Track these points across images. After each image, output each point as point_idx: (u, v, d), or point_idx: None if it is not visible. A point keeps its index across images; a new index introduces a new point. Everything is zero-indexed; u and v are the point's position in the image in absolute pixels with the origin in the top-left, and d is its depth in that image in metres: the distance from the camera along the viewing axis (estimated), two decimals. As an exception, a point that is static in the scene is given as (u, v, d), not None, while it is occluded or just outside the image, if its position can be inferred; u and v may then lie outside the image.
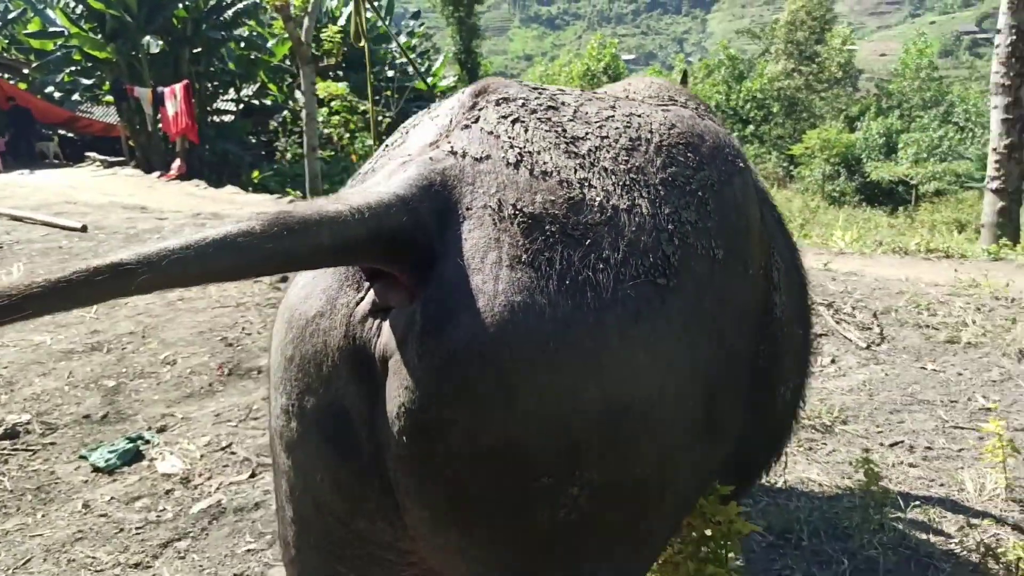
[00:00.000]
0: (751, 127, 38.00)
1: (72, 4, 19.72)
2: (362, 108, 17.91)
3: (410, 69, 25.78)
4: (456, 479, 1.08)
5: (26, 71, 22.62)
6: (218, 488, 3.28)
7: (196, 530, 2.96)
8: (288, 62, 23.21)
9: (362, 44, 8.42)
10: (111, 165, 19.21)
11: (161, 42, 19.99)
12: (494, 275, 1.05)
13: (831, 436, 3.62)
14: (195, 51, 20.93)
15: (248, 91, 24.10)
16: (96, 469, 3.46)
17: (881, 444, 3.50)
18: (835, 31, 44.07)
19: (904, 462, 3.33)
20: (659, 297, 1.13)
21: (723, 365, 1.27)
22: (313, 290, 1.19)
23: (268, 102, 24.58)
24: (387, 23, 21.05)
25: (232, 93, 23.80)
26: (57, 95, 22.70)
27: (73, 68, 21.11)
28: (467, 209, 1.11)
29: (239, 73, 22.77)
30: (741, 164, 1.41)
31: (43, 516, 3.09)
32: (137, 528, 2.98)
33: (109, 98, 21.81)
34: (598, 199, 1.15)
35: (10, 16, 25.51)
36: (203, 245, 0.89)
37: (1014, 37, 9.61)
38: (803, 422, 3.55)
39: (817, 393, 4.02)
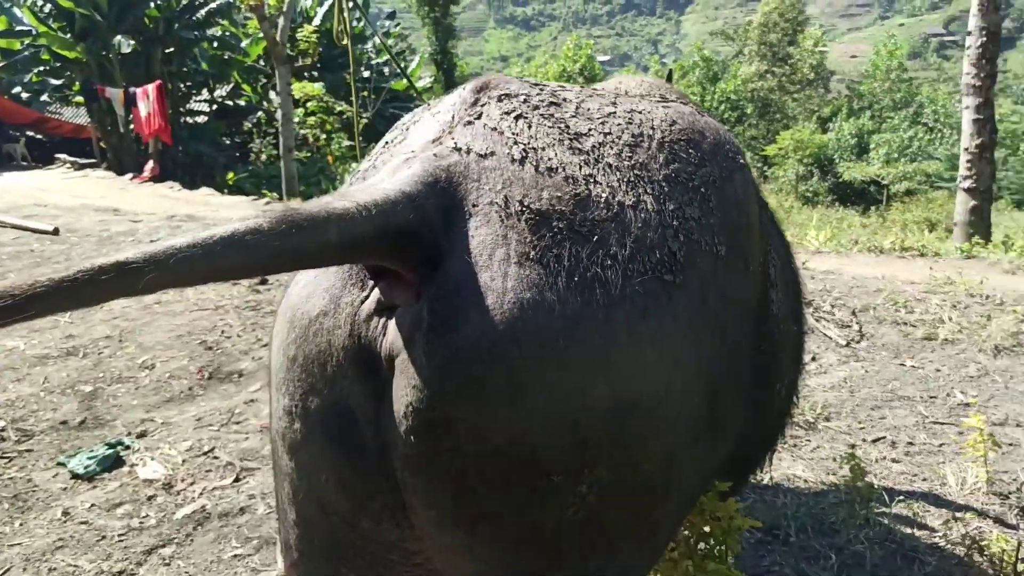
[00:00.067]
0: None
1: (40, 2, 19.39)
2: (338, 109, 17.82)
3: (386, 69, 25.70)
4: (464, 478, 1.07)
5: (-8, 71, 22.21)
6: (202, 493, 3.23)
7: (181, 536, 2.91)
8: (262, 62, 23.03)
9: (345, 43, 8.35)
10: (82, 167, 18.91)
11: (133, 42, 19.73)
12: (503, 272, 1.04)
13: (815, 433, 3.65)
14: (167, 51, 20.70)
15: (222, 91, 23.87)
16: (75, 476, 3.39)
17: (864, 440, 3.54)
18: (807, 33, 44.68)
19: (887, 457, 3.37)
20: (666, 293, 1.13)
21: (725, 362, 1.27)
22: (316, 289, 1.17)
23: (242, 103, 24.36)
24: (364, 24, 20.92)
25: (205, 93, 23.57)
26: (24, 95, 22.29)
27: (41, 68, 20.77)
28: (473, 206, 1.10)
29: (212, 73, 22.56)
30: (741, 161, 1.41)
31: (21, 525, 3.02)
32: (120, 535, 2.92)
33: (79, 99, 21.49)
34: (604, 195, 1.14)
35: (-25, 15, 25.02)
36: (211, 243, 0.87)
37: (984, 39, 9.80)
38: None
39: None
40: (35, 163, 20.87)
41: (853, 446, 3.15)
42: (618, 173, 1.19)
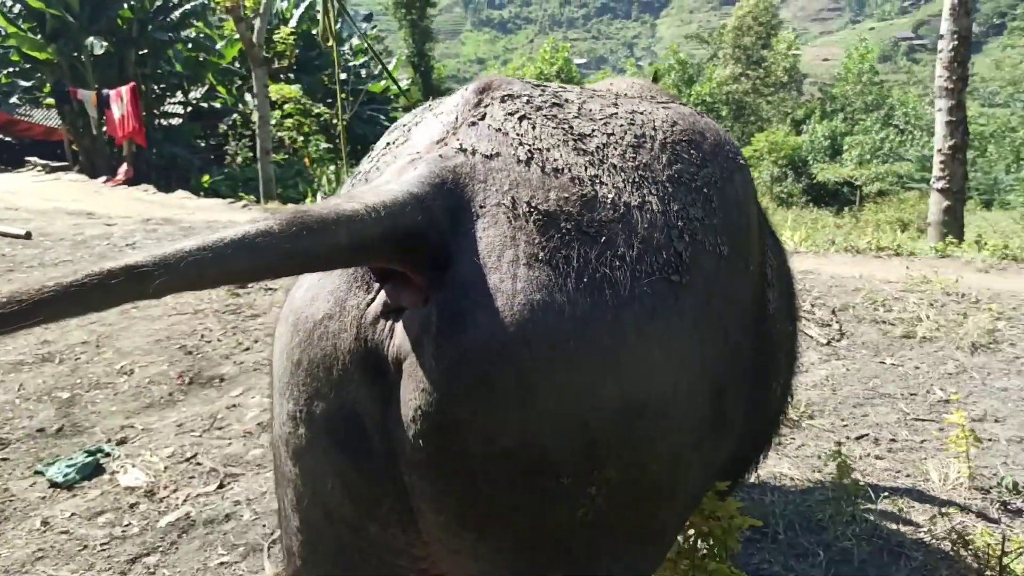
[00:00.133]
0: (701, 130, 38.66)
1: (9, 3, 19.05)
2: (316, 111, 17.71)
3: (364, 72, 25.60)
4: (473, 481, 1.06)
5: (-41, 72, 21.77)
6: (185, 500, 3.18)
7: (165, 544, 2.87)
8: (238, 64, 22.82)
9: (330, 44, 8.32)
10: (53, 170, 18.59)
11: (105, 43, 19.45)
12: (512, 274, 1.04)
13: (799, 431, 3.68)
14: (141, 52, 20.44)
15: (196, 94, 23.62)
16: (54, 484, 3.33)
17: (847, 437, 3.58)
18: (780, 36, 45.24)
19: (871, 454, 3.41)
20: (673, 294, 1.13)
21: (728, 362, 1.28)
22: (320, 292, 1.16)
23: (217, 105, 24.11)
24: (341, 25, 20.78)
25: (180, 96, 23.31)
26: (-7, 97, 21.90)
27: (11, 69, 20.41)
28: (480, 207, 1.09)
29: (187, 75, 22.32)
30: (741, 161, 1.42)
31: (-1, 535, 2.95)
32: (102, 544, 2.86)
33: (50, 100, 21.13)
34: (610, 196, 1.14)
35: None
36: (221, 246, 0.86)
37: (956, 42, 9.98)
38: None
39: (783, 389, 4.10)
40: (5, 166, 20.47)
41: (839, 444, 3.18)
42: (623, 174, 1.19)
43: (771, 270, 1.60)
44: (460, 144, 1.16)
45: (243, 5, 13.73)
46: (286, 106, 17.64)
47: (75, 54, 19.09)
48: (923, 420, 3.76)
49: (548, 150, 1.17)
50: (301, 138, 17.95)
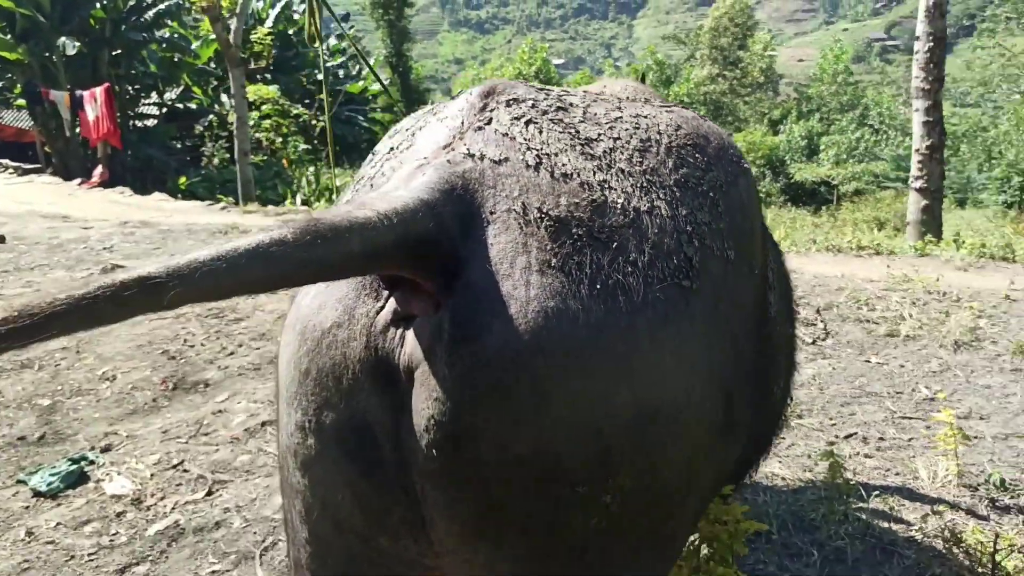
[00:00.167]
0: (679, 130, 38.93)
1: (-22, 3, 18.69)
2: (294, 112, 17.58)
3: (341, 72, 25.45)
4: (487, 491, 1.05)
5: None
6: (174, 508, 3.14)
7: (155, 553, 2.82)
8: (213, 64, 22.60)
9: (317, 45, 8.29)
10: (26, 172, 18.29)
11: (78, 43, 19.14)
12: (525, 280, 1.03)
13: (788, 430, 3.70)
14: (115, 53, 20.15)
15: (171, 94, 23.37)
16: (37, 493, 3.26)
17: (836, 436, 3.61)
18: (756, 37, 45.62)
19: (860, 453, 3.44)
20: (684, 299, 1.12)
21: (736, 366, 1.28)
22: (327, 300, 1.14)
23: (193, 106, 23.88)
24: (320, 25, 20.64)
25: (155, 96, 23.04)
26: (-38, 99, 21.50)
27: (-20, 70, 20.03)
28: (491, 213, 1.08)
29: (161, 76, 22.06)
30: (744, 165, 1.42)
31: (-18, 547, 2.89)
32: (90, 555, 2.81)
33: (20, 101, 20.79)
34: (620, 201, 1.13)
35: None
36: (235, 256, 0.84)
37: (931, 44, 10.11)
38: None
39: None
40: (-26, 168, 20.11)
41: (831, 443, 3.20)
42: (631, 178, 1.18)
43: (772, 273, 1.60)
44: (468, 149, 1.15)
45: (219, 5, 13.58)
46: (264, 107, 17.49)
47: (47, 54, 18.78)
48: (910, 418, 3.80)
49: (556, 155, 1.16)
50: (279, 139, 17.80)
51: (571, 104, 1.30)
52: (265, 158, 19.17)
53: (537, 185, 1.11)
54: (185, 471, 3.45)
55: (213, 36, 16.52)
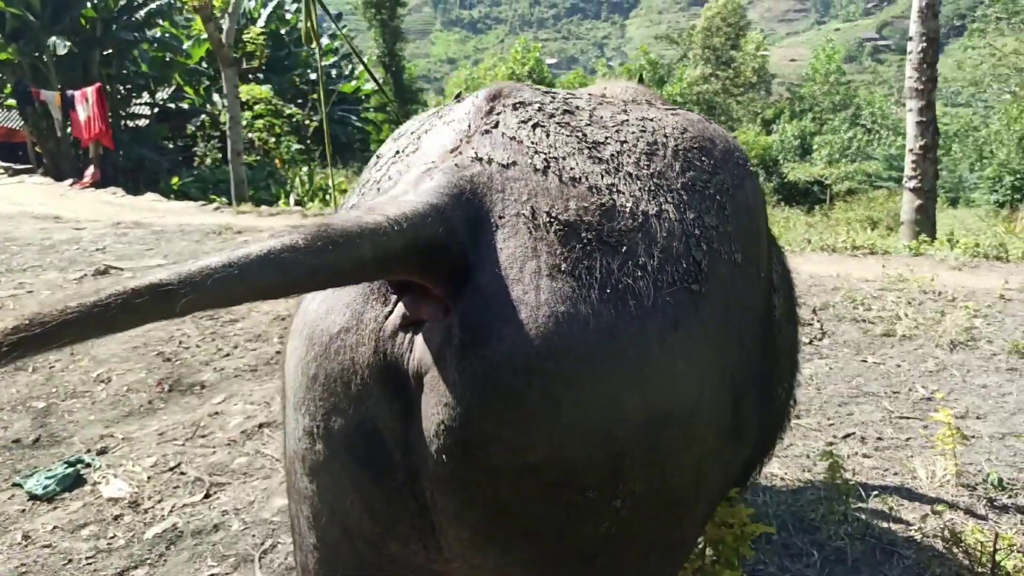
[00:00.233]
0: (672, 130, 39.01)
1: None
2: (287, 111, 17.53)
3: (334, 72, 25.38)
4: (498, 497, 1.04)
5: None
6: (171, 511, 3.12)
7: (153, 556, 2.80)
8: (205, 64, 22.52)
9: (314, 46, 8.28)
10: (16, 173, 18.20)
11: (68, 43, 19.02)
12: (535, 285, 1.02)
13: (787, 431, 3.70)
14: (106, 53, 20.04)
15: (163, 94, 23.26)
16: (33, 497, 3.24)
17: (835, 436, 3.61)
18: (749, 37, 45.69)
19: (858, 453, 3.44)
20: (694, 304, 1.12)
21: (744, 369, 1.28)
22: (335, 305, 1.13)
23: (185, 106, 23.78)
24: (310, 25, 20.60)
25: (146, 96, 22.94)
26: (-49, 99, 21.36)
27: (-30, 70, 19.90)
28: (500, 217, 1.07)
29: (153, 76, 21.97)
30: (750, 167, 1.41)
31: (-22, 551, 2.86)
32: (87, 558, 2.79)
33: (10, 102, 20.66)
34: (628, 205, 1.13)
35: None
36: (247, 262, 0.83)
37: (924, 44, 10.15)
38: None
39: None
40: (-36, 169, 19.98)
41: (830, 443, 3.21)
42: (639, 182, 1.18)
43: (776, 275, 1.60)
44: (475, 153, 1.14)
45: (211, 5, 13.53)
46: (257, 107, 17.43)
47: (37, 54, 18.67)
48: (907, 418, 3.81)
49: (564, 159, 1.16)
50: (272, 139, 17.74)
51: (577, 107, 1.30)
52: (258, 158, 19.11)
53: (546, 189, 1.10)
54: (182, 473, 3.43)
55: (205, 36, 16.46)
